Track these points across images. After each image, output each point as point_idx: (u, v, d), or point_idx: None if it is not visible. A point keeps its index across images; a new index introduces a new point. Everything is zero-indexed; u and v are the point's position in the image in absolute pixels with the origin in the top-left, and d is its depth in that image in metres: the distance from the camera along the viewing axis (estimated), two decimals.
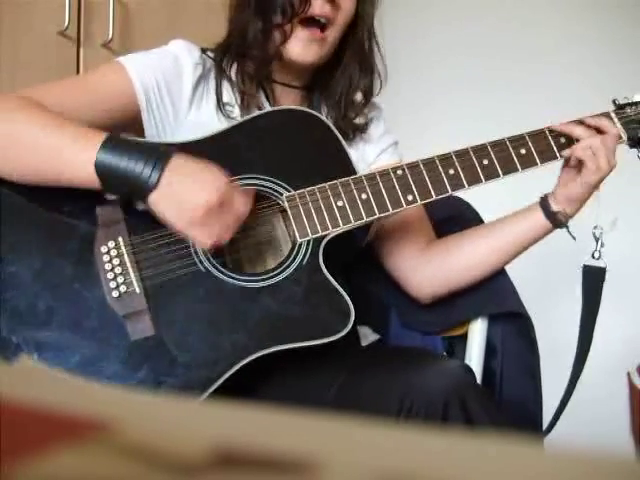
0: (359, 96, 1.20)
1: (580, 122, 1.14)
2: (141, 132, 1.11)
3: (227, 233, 0.98)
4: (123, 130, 1.12)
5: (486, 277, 1.21)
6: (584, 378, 1.19)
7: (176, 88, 1.10)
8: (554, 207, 1.14)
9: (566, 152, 1.12)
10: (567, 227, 1.15)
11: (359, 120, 1.21)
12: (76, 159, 0.96)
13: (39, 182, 0.99)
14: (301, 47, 1.11)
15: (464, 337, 1.25)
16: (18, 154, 0.98)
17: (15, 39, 1.59)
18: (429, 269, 1.22)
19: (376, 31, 1.20)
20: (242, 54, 1.14)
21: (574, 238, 1.15)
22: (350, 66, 1.17)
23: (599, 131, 1.12)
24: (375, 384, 0.95)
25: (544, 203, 1.15)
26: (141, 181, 0.95)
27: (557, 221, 1.14)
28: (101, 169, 0.95)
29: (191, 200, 0.95)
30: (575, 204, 1.13)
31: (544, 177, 1.22)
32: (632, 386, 1.13)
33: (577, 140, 1.12)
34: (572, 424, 1.21)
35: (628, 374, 1.15)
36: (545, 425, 1.21)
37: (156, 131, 1.10)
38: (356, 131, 1.21)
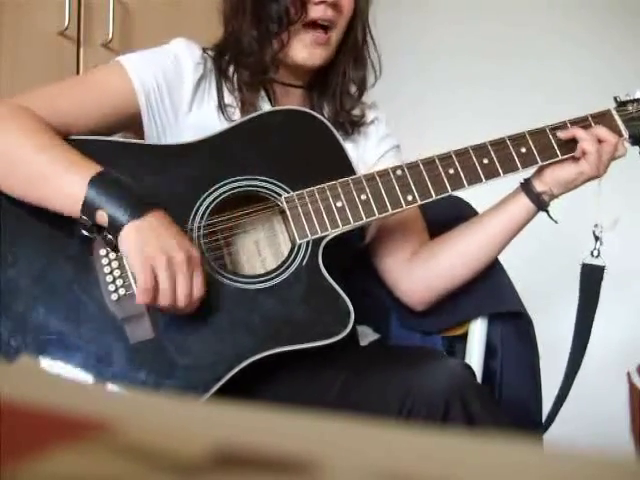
0: (354, 89, 1.19)
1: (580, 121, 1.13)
2: (141, 133, 1.09)
3: (166, 299, 0.92)
4: (123, 131, 1.12)
5: (478, 274, 1.20)
6: (584, 378, 1.19)
7: (176, 88, 1.09)
8: (539, 188, 1.13)
9: (563, 134, 1.11)
10: (547, 211, 1.14)
11: (355, 112, 1.20)
12: (64, 191, 0.95)
13: (24, 197, 0.98)
14: (306, 52, 1.11)
15: (464, 337, 1.25)
16: (6, 167, 0.97)
17: (15, 39, 1.59)
18: (415, 276, 1.20)
19: (370, 25, 1.19)
20: (237, 61, 1.13)
21: (555, 222, 1.14)
22: (345, 61, 1.16)
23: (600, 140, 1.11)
24: (376, 384, 0.95)
25: (527, 186, 1.14)
26: (117, 219, 0.93)
27: (541, 202, 1.13)
28: (86, 205, 0.94)
29: (160, 242, 0.92)
30: (562, 187, 1.13)
31: None
32: (632, 386, 1.13)
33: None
34: (572, 424, 1.21)
35: (628, 374, 1.15)
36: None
37: (156, 132, 1.09)
38: (354, 125, 1.20)
